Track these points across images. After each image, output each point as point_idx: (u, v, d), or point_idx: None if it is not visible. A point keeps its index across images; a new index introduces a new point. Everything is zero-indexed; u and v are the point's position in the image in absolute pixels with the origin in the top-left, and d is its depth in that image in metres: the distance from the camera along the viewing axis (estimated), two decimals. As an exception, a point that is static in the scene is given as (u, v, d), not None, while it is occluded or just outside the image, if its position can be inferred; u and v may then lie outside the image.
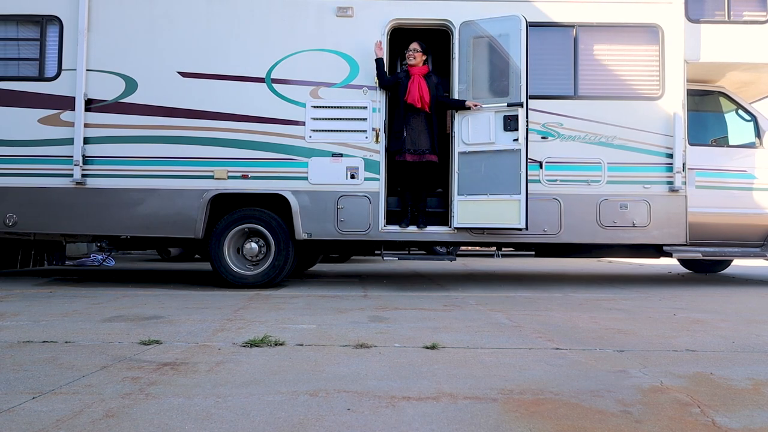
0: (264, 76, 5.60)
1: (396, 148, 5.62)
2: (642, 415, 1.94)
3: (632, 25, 5.71)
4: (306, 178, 5.55)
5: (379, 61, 5.51)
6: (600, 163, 5.64)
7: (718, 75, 6.29)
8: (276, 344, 2.98)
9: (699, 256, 5.97)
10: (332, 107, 5.59)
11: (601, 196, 5.62)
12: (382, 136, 5.57)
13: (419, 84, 5.56)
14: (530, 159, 5.41)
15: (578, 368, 2.57)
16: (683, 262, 8.12)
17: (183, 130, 5.59)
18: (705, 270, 8.08)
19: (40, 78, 5.65)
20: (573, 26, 5.71)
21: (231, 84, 5.61)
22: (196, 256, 10.36)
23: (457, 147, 5.54)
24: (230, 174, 5.56)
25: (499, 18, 5.41)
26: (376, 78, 5.54)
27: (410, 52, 5.69)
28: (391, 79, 5.63)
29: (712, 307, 4.58)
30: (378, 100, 5.58)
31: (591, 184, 5.64)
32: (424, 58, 5.75)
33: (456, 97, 5.57)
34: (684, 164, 5.63)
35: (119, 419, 1.87)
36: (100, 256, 8.84)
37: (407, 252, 6.52)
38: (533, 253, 6.40)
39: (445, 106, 5.70)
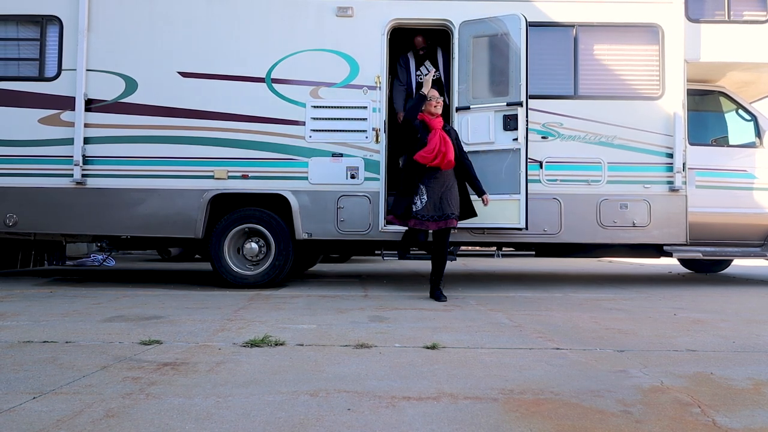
0: (264, 76, 5.60)
1: (407, 213, 4.80)
2: (642, 415, 1.94)
3: (632, 24, 5.71)
4: (306, 178, 5.55)
5: (423, 98, 4.87)
6: (600, 162, 5.64)
7: (718, 75, 6.29)
8: (276, 344, 2.98)
9: (699, 256, 5.97)
10: (332, 107, 5.59)
11: (601, 196, 5.62)
12: (383, 136, 5.57)
13: (445, 139, 4.73)
14: (530, 159, 5.40)
15: (578, 368, 2.57)
16: (683, 261, 8.11)
17: (183, 130, 5.58)
18: (705, 270, 8.08)
19: (40, 78, 5.65)
20: (573, 26, 5.70)
21: (231, 84, 5.60)
22: (196, 256, 10.35)
23: (457, 147, 5.54)
24: (230, 174, 5.56)
25: (499, 17, 5.40)
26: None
27: (433, 101, 4.84)
28: (417, 124, 4.83)
29: (713, 307, 4.58)
30: (378, 100, 5.57)
31: (591, 184, 5.63)
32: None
33: (455, 97, 5.53)
34: (684, 164, 5.63)
35: (120, 419, 1.87)
36: (100, 256, 8.84)
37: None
38: (533, 253, 6.39)
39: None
